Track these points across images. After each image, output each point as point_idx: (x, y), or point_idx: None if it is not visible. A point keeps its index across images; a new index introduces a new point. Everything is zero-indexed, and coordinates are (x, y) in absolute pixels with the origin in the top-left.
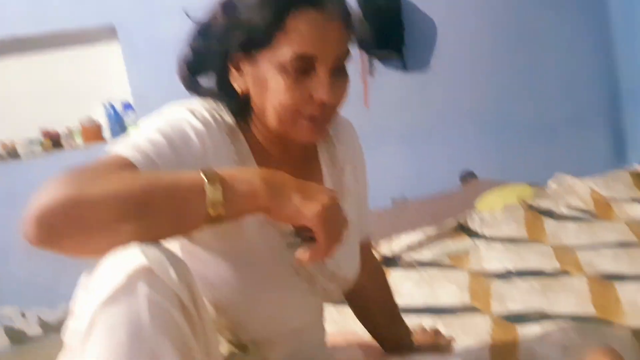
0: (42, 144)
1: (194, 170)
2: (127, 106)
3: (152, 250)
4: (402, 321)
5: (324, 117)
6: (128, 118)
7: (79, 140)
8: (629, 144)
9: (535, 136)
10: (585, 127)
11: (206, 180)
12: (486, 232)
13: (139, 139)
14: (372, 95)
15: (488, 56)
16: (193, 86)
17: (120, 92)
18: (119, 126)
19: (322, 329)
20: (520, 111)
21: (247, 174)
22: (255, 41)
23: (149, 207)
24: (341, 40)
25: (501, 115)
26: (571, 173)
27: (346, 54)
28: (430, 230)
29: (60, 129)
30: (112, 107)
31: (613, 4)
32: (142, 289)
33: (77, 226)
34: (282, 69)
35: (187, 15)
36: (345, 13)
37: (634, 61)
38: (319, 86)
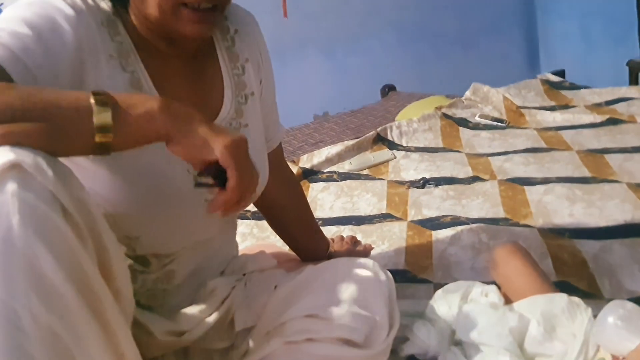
0: None
1: (69, 66)
2: None
3: (24, 149)
4: (319, 231)
5: (209, 9)
6: None
7: None
8: (542, 52)
9: (453, 47)
10: (501, 37)
11: (94, 101)
12: (404, 142)
13: (1, 33)
14: (291, 4)
15: None
16: None
17: None
18: None
19: (233, 242)
20: (439, 21)
21: (142, 98)
22: None
23: (25, 123)
24: None
25: (421, 25)
26: (488, 83)
27: None
28: (350, 143)
29: None
30: None
31: None
32: (10, 187)
33: None
34: None
35: None
36: None
37: None
38: None
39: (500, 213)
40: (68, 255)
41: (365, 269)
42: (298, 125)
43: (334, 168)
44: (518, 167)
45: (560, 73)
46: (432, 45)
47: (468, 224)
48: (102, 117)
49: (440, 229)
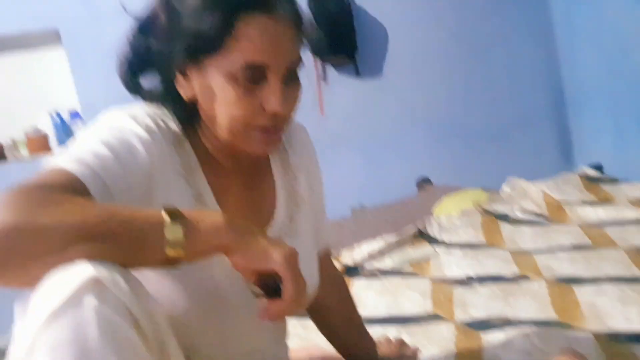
0: None
1: (142, 184)
2: (75, 115)
3: (101, 264)
4: (366, 332)
5: (276, 127)
6: (76, 127)
7: (24, 151)
8: (575, 146)
9: (485, 141)
10: (533, 131)
11: (167, 218)
12: (445, 238)
13: (82, 152)
14: (327, 102)
15: (439, 62)
16: (134, 87)
17: (67, 100)
18: (66, 136)
19: (284, 346)
20: (471, 117)
21: (209, 214)
22: (203, 47)
23: (101, 241)
24: (293, 47)
25: (453, 121)
26: (522, 176)
27: (298, 60)
28: (391, 238)
29: (3, 140)
30: (59, 116)
31: (555, 11)
32: (90, 302)
33: (23, 257)
34: (232, 77)
35: (125, 10)
36: (297, 17)
37: (575, 66)
38: (271, 96)
39: (551, 315)
40: None
41: None
42: (335, 219)
43: (375, 264)
44: (564, 264)
45: (597, 167)
46: (464, 139)
47: (518, 326)
48: (174, 233)
49: (490, 331)
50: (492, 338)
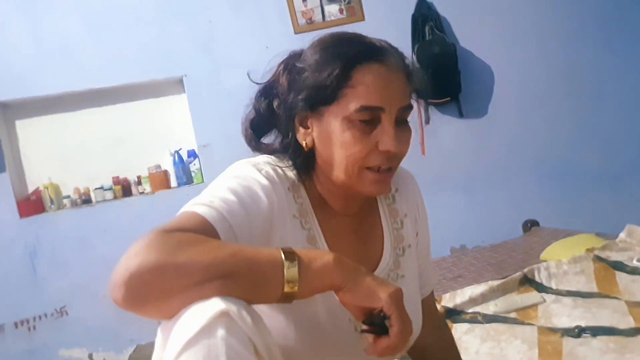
0: (113, 190)
1: (262, 226)
2: (192, 154)
3: (229, 299)
4: None
5: (389, 167)
6: (193, 166)
7: (147, 187)
8: None
9: (599, 184)
10: None
11: (284, 258)
12: (554, 284)
13: (213, 198)
14: (429, 143)
15: (548, 102)
16: (257, 146)
17: (186, 141)
18: (184, 174)
19: None
20: (584, 158)
21: (320, 253)
22: (323, 98)
23: (230, 279)
24: (404, 92)
25: (563, 162)
26: (639, 223)
27: (409, 106)
28: (495, 282)
29: (130, 176)
30: (178, 154)
31: None
32: (220, 333)
33: (165, 291)
34: (349, 121)
35: (250, 78)
36: (406, 66)
37: None
38: (385, 136)
39: None
40: None
41: None
42: (435, 258)
43: (477, 309)
44: None
45: None
46: (575, 182)
47: None
48: (290, 271)
49: None
50: None
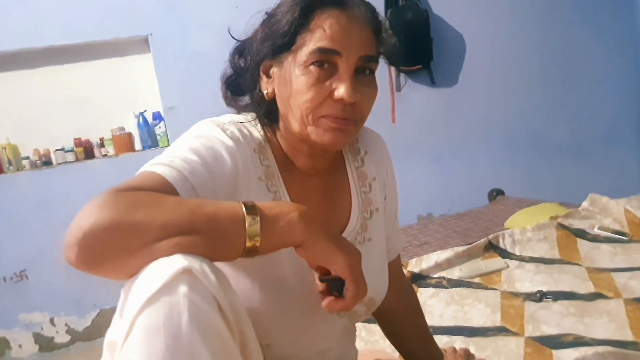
0: (74, 152)
1: (226, 188)
2: (157, 116)
3: (191, 256)
4: (433, 341)
5: (345, 117)
6: (158, 129)
7: (110, 149)
8: None
9: (566, 155)
10: (618, 147)
11: (246, 213)
12: (517, 251)
13: (173, 158)
14: (400, 110)
15: (519, 73)
16: (234, 104)
17: (152, 103)
18: (149, 137)
19: (352, 348)
20: (551, 129)
21: (285, 208)
22: (283, 44)
23: (190, 235)
24: (366, 42)
25: (531, 132)
26: (603, 193)
27: (372, 58)
28: (460, 248)
29: (93, 138)
30: (143, 117)
31: None
32: (182, 290)
33: (120, 250)
34: (305, 67)
35: (231, 35)
36: (374, 21)
37: None
38: (339, 84)
39: (628, 336)
40: (223, 354)
41: None
42: (402, 226)
43: (443, 274)
44: None
45: None
46: (542, 152)
47: (593, 345)
48: (252, 226)
49: (562, 348)
50: (563, 356)
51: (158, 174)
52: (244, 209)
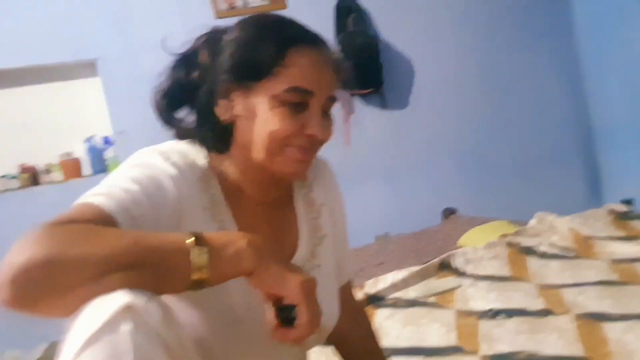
0: (20, 179)
1: (169, 218)
2: (107, 141)
3: (133, 292)
4: None
5: (311, 150)
6: (108, 154)
7: (58, 175)
8: (604, 182)
9: (513, 174)
10: (561, 166)
11: (192, 244)
12: (470, 269)
13: (113, 188)
14: (353, 133)
15: (466, 96)
16: (168, 119)
17: (101, 127)
18: (98, 162)
19: None
20: (498, 149)
21: (233, 237)
22: (253, 73)
23: (133, 269)
24: (332, 83)
25: (480, 153)
26: (549, 211)
27: (335, 97)
28: (415, 268)
29: (39, 164)
30: (92, 142)
31: (583, 46)
32: (125, 328)
33: (56, 288)
34: (278, 100)
35: (165, 49)
36: (336, 60)
37: (604, 101)
38: (312, 121)
39: (578, 351)
40: None
41: None
42: (360, 246)
43: (399, 294)
44: (592, 301)
45: (628, 201)
46: (491, 172)
47: None
48: (199, 258)
49: None
50: None
51: (95, 205)
52: (190, 240)
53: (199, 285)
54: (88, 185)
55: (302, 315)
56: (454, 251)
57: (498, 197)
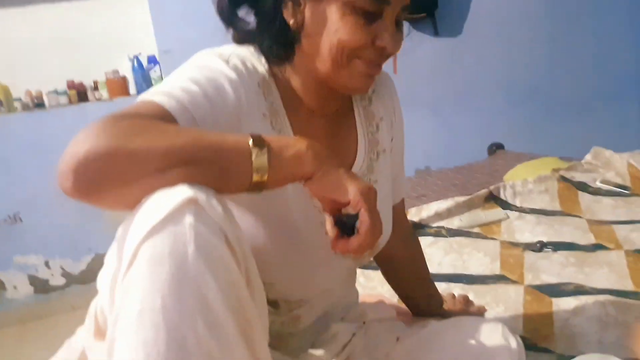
0: (67, 95)
1: (229, 122)
2: (153, 60)
3: (197, 187)
4: (434, 288)
5: (379, 64)
6: (153, 73)
7: (104, 93)
8: None
9: (567, 110)
10: (618, 104)
11: (252, 145)
12: (518, 202)
13: (173, 88)
14: (402, 60)
15: (522, 27)
16: (231, 18)
17: (147, 45)
18: (144, 81)
19: (353, 290)
20: (552, 84)
21: (292, 140)
22: None
23: (194, 165)
24: None
25: (533, 87)
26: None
27: (408, 8)
28: (461, 199)
29: (86, 81)
30: (138, 60)
31: None
32: (188, 220)
33: (117, 179)
34: (352, 7)
35: None
36: None
37: None
38: (386, 33)
39: (629, 286)
40: (230, 286)
41: (494, 332)
42: None
43: (442, 223)
44: None
45: None
46: (543, 107)
47: (593, 294)
48: (259, 159)
49: (562, 296)
50: (563, 304)
51: (156, 103)
52: (250, 141)
53: (257, 187)
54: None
55: (364, 222)
56: (502, 183)
57: (549, 133)
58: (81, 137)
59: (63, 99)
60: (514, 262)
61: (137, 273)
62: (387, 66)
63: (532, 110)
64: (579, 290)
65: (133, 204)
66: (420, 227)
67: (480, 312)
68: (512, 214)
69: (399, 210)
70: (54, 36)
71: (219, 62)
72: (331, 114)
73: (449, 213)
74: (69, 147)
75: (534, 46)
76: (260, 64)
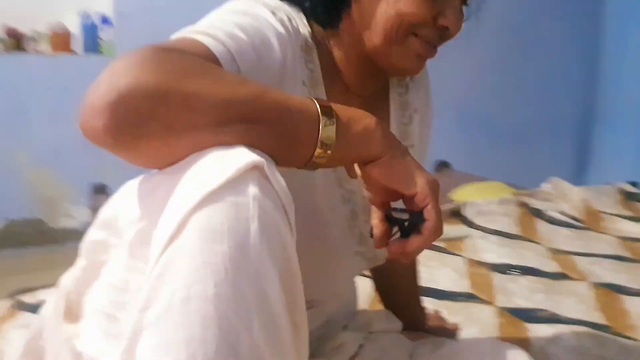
0: (4, 42)
1: (270, 84)
2: (105, 21)
3: (257, 152)
4: (421, 302)
5: (435, 46)
6: (104, 34)
7: (45, 46)
8: (592, 163)
9: (509, 138)
10: (552, 138)
11: (321, 112)
12: (482, 222)
13: (217, 31)
14: None
15: (476, 51)
16: None
17: (100, 3)
18: (91, 41)
19: (354, 297)
20: (500, 111)
21: (361, 114)
22: None
23: (256, 124)
24: None
25: (482, 112)
26: (537, 179)
27: None
28: None
29: (27, 30)
30: (89, 18)
31: (608, 27)
32: (253, 191)
33: (166, 125)
34: None
35: None
36: None
37: (616, 83)
38: (450, 10)
39: (601, 319)
40: (289, 279)
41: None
42: None
43: None
44: (608, 272)
45: (634, 184)
46: (489, 133)
47: (568, 323)
48: (327, 130)
49: (537, 323)
50: (539, 330)
51: (202, 43)
52: (318, 106)
53: (315, 164)
54: (78, 63)
55: (430, 221)
56: (466, 201)
57: (492, 159)
58: (120, 66)
59: None
60: (482, 282)
61: (184, 248)
62: None
63: (478, 135)
64: (554, 318)
65: (175, 160)
66: None
67: (455, 330)
68: (475, 233)
69: None
70: None
71: (266, 11)
72: (367, 94)
73: None
74: (103, 77)
75: (484, 73)
76: (303, 26)
